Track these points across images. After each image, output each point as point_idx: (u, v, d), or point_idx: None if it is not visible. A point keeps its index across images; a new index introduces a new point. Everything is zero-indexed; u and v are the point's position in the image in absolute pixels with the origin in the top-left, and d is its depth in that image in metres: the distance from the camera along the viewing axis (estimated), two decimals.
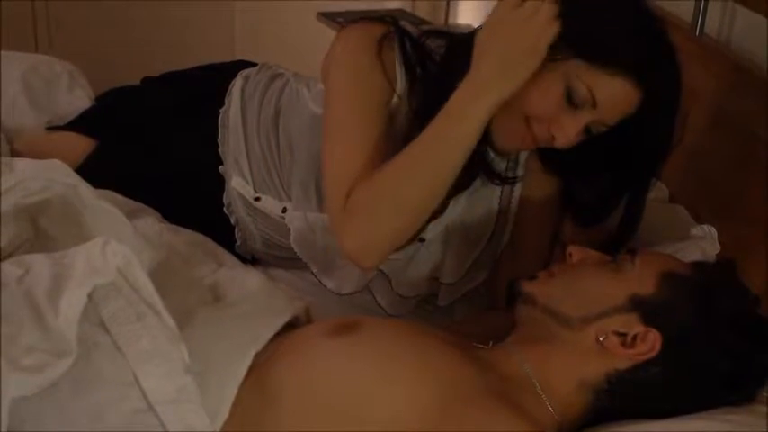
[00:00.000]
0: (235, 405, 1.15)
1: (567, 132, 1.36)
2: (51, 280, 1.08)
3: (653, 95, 1.34)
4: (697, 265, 1.31)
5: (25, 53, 2.12)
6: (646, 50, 1.33)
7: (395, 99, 1.47)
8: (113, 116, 1.81)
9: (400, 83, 1.47)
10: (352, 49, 1.48)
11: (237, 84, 1.72)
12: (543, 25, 1.31)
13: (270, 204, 1.64)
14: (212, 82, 1.76)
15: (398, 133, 1.47)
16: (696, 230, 1.49)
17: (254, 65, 1.85)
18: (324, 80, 1.55)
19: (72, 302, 1.06)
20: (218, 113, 1.69)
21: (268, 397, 1.16)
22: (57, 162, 1.29)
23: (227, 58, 1.94)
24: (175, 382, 1.08)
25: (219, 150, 1.68)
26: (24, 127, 1.88)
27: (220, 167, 1.68)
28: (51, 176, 1.26)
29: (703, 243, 1.47)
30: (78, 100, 1.96)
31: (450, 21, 3.11)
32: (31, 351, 1.03)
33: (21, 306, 1.06)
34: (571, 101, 1.34)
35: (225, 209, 1.68)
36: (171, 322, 1.10)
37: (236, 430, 1.15)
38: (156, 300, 1.10)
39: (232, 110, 1.69)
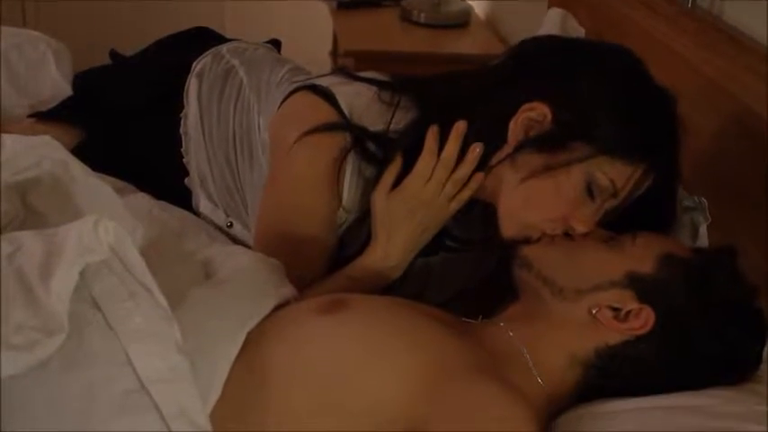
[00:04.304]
0: (226, 384, 1.14)
1: (589, 223, 1.34)
2: (42, 257, 1.07)
3: (664, 171, 1.36)
4: (697, 251, 1.32)
5: (10, 28, 2.10)
6: (663, 135, 1.34)
7: (341, 212, 1.47)
8: (95, 107, 1.79)
9: (347, 195, 1.46)
10: (307, 168, 1.45)
11: (193, 86, 1.68)
12: (454, 198, 1.38)
13: (240, 233, 1.62)
14: (174, 73, 1.72)
15: (340, 234, 1.50)
16: (687, 201, 1.49)
17: (213, 34, 1.85)
18: (272, 146, 1.51)
19: (63, 280, 1.04)
20: (180, 119, 1.67)
21: (257, 375, 1.16)
22: (46, 138, 1.27)
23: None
24: (168, 361, 1.07)
25: (184, 160, 1.66)
26: (4, 107, 1.87)
27: (186, 179, 1.66)
28: (41, 153, 1.24)
29: (694, 213, 1.48)
30: (59, 83, 1.95)
31: None
32: (20, 329, 1.01)
33: (11, 283, 1.05)
34: (592, 194, 1.33)
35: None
36: (163, 301, 1.08)
37: (227, 409, 1.14)
38: (149, 278, 1.09)
39: (191, 119, 1.66)
